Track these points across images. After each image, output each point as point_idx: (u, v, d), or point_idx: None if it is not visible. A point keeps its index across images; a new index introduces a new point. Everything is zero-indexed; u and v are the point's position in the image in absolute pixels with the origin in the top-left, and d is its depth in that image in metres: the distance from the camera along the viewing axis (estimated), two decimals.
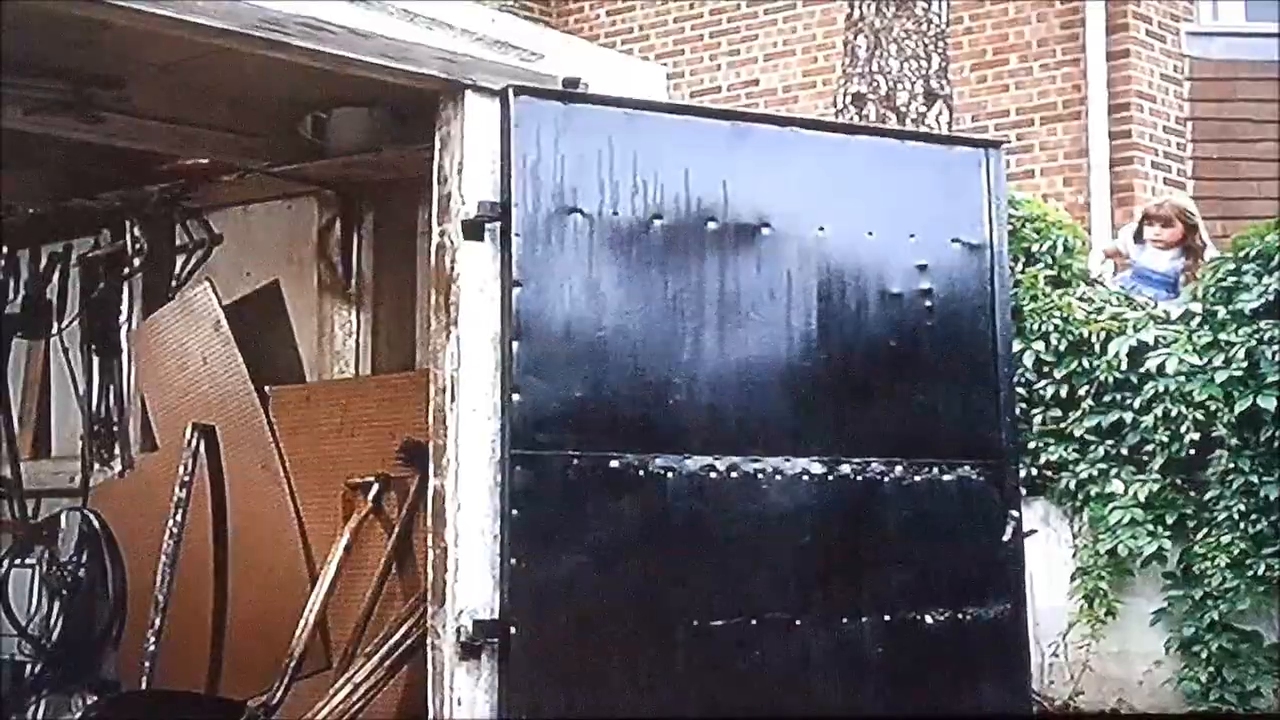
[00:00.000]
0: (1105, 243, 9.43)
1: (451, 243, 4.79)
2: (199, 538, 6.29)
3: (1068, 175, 10.74)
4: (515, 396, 4.68)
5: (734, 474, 4.98)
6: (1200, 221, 8.62)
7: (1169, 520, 7.41)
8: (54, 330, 7.01)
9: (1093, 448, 7.64)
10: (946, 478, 5.30)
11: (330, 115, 5.92)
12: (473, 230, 4.76)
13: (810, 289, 5.15)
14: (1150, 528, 7.42)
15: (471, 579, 4.66)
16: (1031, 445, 7.62)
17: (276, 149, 6.12)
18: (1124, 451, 7.59)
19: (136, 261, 6.81)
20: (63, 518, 6.82)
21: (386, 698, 5.62)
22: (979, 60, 11.08)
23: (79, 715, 6.28)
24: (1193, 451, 7.38)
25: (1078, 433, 7.67)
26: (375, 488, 5.96)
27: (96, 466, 6.86)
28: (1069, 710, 7.53)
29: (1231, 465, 7.24)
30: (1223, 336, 7.36)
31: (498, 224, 4.75)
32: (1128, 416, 7.56)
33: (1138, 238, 8.67)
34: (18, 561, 6.81)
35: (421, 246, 5.93)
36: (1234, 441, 7.23)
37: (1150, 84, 10.82)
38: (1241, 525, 7.20)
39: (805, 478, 5.08)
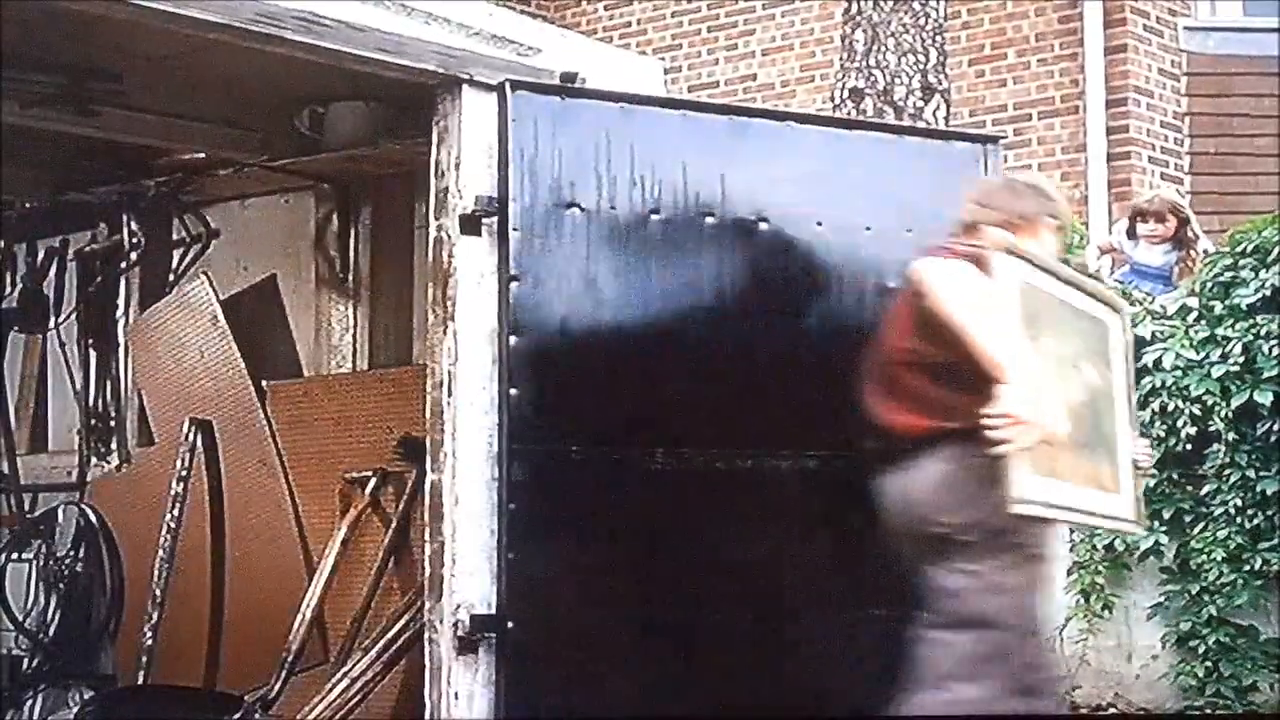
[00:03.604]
0: (1100, 239, 9.43)
1: (449, 237, 4.79)
2: (196, 532, 6.29)
3: (1065, 170, 10.72)
4: (512, 391, 4.68)
5: (732, 468, 4.98)
6: (1191, 214, 8.65)
7: (1166, 515, 7.38)
8: (51, 324, 6.99)
9: None
10: None
11: (327, 109, 5.91)
12: (470, 225, 4.76)
13: (808, 284, 5.15)
14: (1147, 522, 7.41)
15: (469, 573, 4.66)
16: None
17: (273, 143, 6.11)
18: None
19: (133, 256, 6.78)
20: (60, 512, 6.82)
21: (384, 692, 5.62)
22: (976, 55, 11.06)
23: (76, 710, 6.29)
24: (1189, 446, 7.35)
25: None
26: (373, 482, 5.96)
27: (93, 461, 6.85)
28: (1066, 704, 7.52)
29: (1228, 460, 7.22)
30: (1220, 331, 7.34)
31: (495, 218, 4.75)
32: None
33: (1130, 234, 8.67)
34: (15, 556, 6.81)
35: (419, 241, 5.92)
36: (1231, 436, 7.21)
37: (1148, 79, 10.81)
38: (1238, 520, 7.18)
39: (804, 472, 5.08)
